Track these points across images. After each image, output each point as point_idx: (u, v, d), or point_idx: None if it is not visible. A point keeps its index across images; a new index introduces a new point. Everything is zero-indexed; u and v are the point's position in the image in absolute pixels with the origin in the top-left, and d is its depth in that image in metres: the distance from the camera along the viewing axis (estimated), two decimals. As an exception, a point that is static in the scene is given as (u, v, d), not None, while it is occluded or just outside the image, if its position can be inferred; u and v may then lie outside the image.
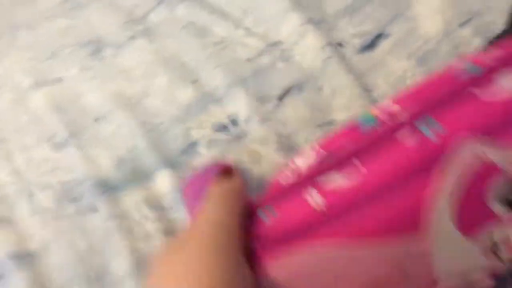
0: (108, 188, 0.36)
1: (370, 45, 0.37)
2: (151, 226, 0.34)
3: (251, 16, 0.41)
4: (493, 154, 0.21)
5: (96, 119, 0.40)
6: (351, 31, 0.38)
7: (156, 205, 0.35)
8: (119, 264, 0.33)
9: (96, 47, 0.44)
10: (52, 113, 0.40)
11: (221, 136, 0.37)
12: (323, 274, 0.21)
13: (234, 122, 0.37)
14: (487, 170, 0.21)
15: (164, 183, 0.35)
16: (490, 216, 0.21)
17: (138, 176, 0.36)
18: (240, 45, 0.41)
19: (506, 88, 0.21)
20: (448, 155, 0.21)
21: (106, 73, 0.42)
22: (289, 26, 0.39)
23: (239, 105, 0.37)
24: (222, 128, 0.37)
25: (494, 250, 0.22)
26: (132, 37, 0.43)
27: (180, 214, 0.34)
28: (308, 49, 0.38)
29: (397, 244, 0.21)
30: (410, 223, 0.21)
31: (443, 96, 0.22)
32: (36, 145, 0.39)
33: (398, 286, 0.22)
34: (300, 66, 0.38)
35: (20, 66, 0.44)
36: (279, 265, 0.22)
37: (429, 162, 0.21)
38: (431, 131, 0.21)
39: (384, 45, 0.37)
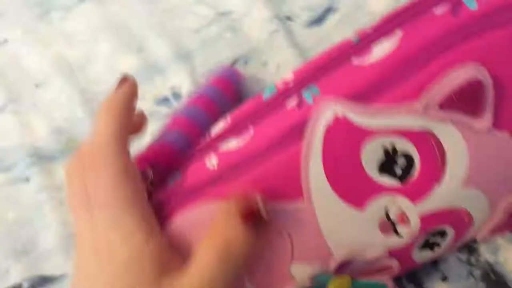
0: (42, 157, 0.35)
1: (318, 20, 0.35)
2: (82, 199, 0.33)
3: (204, -17, 0.39)
4: (359, 116, 0.21)
5: (37, 85, 0.38)
6: (301, 4, 0.36)
7: (89, 178, 0.34)
8: (48, 237, 0.32)
9: (44, 10, 0.41)
10: (-8, 76, 0.39)
11: (162, 109, 0.36)
12: None
13: (176, 95, 0.36)
14: (355, 134, 0.21)
15: (99, 155, 0.34)
16: (373, 185, 0.21)
17: (74, 147, 0.35)
18: (190, 14, 0.39)
19: (377, 54, 0.22)
20: (313, 119, 0.21)
21: (50, 37, 0.40)
22: (239, -5, 0.38)
23: (182, 77, 0.36)
24: (164, 101, 0.36)
25: (389, 223, 0.22)
26: (81, 0, 0.41)
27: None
28: (256, 20, 0.37)
29: (282, 210, 0.22)
30: (291, 190, 0.21)
31: (326, 65, 0.23)
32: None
33: (285, 254, 0.22)
34: (248, 38, 0.36)
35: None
36: (178, 220, 0.23)
37: (301, 126, 0.21)
38: (311, 96, 0.22)
39: (331, 20, 0.35)
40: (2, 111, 0.37)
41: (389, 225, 0.22)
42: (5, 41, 0.41)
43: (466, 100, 0.21)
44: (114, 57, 0.38)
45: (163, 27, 0.38)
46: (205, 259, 0.20)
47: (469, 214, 0.23)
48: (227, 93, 0.32)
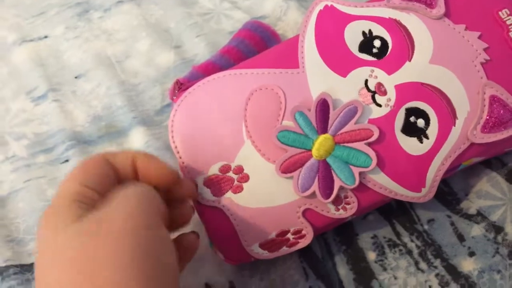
0: (81, 141, 0.37)
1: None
2: (120, 179, 0.34)
3: (238, -10, 0.42)
4: (343, 7, 0.29)
5: (77, 76, 0.40)
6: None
7: (127, 160, 0.35)
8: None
9: (83, 9, 0.44)
10: (34, 68, 0.41)
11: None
12: (226, 89, 0.29)
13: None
14: (339, 17, 0.29)
15: (137, 140, 0.36)
16: (354, 58, 0.28)
17: (112, 132, 0.37)
18: (225, 17, 0.41)
19: None
20: (310, 9, 0.30)
21: (90, 34, 0.42)
22: (273, 1, 0.40)
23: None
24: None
25: (369, 93, 0.27)
26: (120, 2, 0.44)
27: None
28: (290, 24, 0.39)
29: (282, 74, 0.29)
30: (290, 61, 0.29)
31: None
32: (15, 97, 0.40)
33: (280, 108, 0.28)
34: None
35: (6, 22, 0.44)
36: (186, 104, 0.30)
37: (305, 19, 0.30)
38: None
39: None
40: (42, 100, 0.39)
41: (368, 94, 0.27)
42: (45, 37, 0.43)
43: None
44: (152, 52, 0.40)
45: (199, 28, 0.41)
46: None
47: (444, 95, 0.27)
48: (252, 42, 0.35)
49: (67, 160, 0.36)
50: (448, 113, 0.27)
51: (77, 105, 0.39)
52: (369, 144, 0.27)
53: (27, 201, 0.34)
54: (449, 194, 0.31)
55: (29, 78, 0.40)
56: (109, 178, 0.23)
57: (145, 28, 0.41)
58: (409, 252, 0.29)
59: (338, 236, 0.31)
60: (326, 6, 0.30)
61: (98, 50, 0.41)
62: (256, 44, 0.36)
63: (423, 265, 0.29)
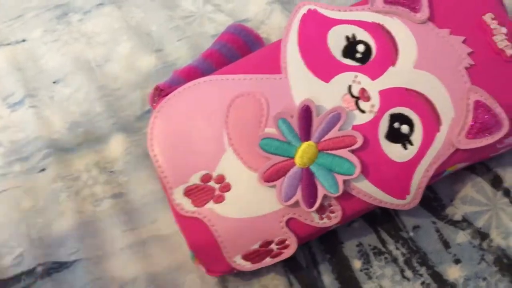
0: (58, 149, 0.35)
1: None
2: (99, 189, 0.34)
3: (221, -8, 0.42)
4: (326, 11, 0.29)
5: (55, 81, 0.39)
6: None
7: (106, 169, 0.34)
8: (62, 224, 0.32)
9: (62, 12, 0.43)
10: (11, 72, 0.39)
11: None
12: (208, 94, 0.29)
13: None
14: (322, 22, 0.28)
15: (117, 147, 0.35)
16: (338, 64, 0.27)
17: (91, 139, 0.36)
18: (208, 20, 0.41)
19: None
20: (293, 13, 0.29)
21: (69, 37, 0.41)
22: (256, 4, 0.40)
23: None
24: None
25: (352, 99, 0.27)
26: (100, 4, 0.43)
27: (131, 178, 0.34)
28: (273, 28, 0.39)
29: (264, 80, 0.28)
30: (272, 66, 0.28)
31: None
32: (-10, 103, 0.38)
33: (262, 116, 0.27)
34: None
35: (-18, 25, 0.43)
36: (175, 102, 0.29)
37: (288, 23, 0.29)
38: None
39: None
40: (19, 106, 0.38)
41: (352, 100, 0.27)
42: (23, 40, 0.42)
43: None
44: (133, 56, 0.39)
45: (181, 31, 0.40)
46: None
47: (428, 100, 0.26)
48: (234, 46, 0.34)
49: (44, 169, 0.35)
50: (432, 119, 0.26)
51: (54, 111, 0.37)
52: (353, 151, 0.26)
53: (2, 213, 0.33)
54: (434, 200, 0.30)
55: (5, 83, 0.39)
56: None
57: (126, 31, 0.40)
58: (395, 260, 0.29)
59: (322, 244, 0.30)
60: (309, 10, 0.29)
61: (77, 53, 0.40)
62: (239, 48, 0.35)
63: (408, 273, 0.29)
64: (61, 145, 0.36)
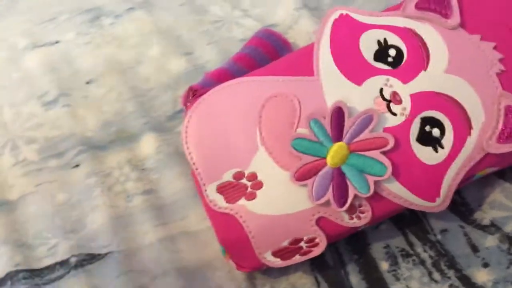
0: (91, 146, 0.37)
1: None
2: (131, 185, 0.34)
3: (250, -3, 0.43)
4: (358, 16, 0.30)
5: (88, 82, 0.40)
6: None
7: (138, 166, 0.35)
8: (95, 218, 0.33)
9: (94, 15, 0.44)
10: (45, 72, 0.41)
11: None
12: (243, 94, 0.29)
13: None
14: (354, 26, 0.29)
15: (148, 146, 0.36)
16: (370, 67, 0.28)
17: (123, 138, 0.37)
18: (236, 25, 0.42)
19: None
20: (325, 17, 0.30)
21: (101, 40, 0.42)
22: (284, 9, 0.41)
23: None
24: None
25: (384, 102, 0.27)
26: (131, 8, 0.44)
27: (162, 176, 0.35)
28: (301, 33, 0.40)
29: (297, 82, 0.29)
30: (306, 68, 0.29)
31: None
32: (26, 101, 0.40)
33: (294, 116, 0.28)
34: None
35: (17, 27, 0.45)
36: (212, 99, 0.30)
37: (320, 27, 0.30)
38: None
39: None
40: (53, 104, 0.39)
41: (384, 103, 0.27)
42: (57, 42, 0.43)
43: (436, 3, 0.29)
44: (164, 59, 0.40)
45: (210, 35, 0.41)
46: None
47: (459, 104, 0.27)
48: (264, 50, 0.35)
49: (77, 165, 0.36)
50: (463, 123, 0.27)
51: (88, 110, 0.39)
52: (384, 153, 0.26)
53: (38, 205, 0.34)
54: (462, 205, 0.31)
55: (40, 83, 0.40)
56: None
57: (156, 34, 0.42)
58: (422, 262, 0.29)
59: (349, 245, 0.31)
60: (341, 14, 0.30)
61: (109, 55, 0.41)
62: (268, 52, 0.36)
63: (436, 275, 0.29)
64: (94, 143, 0.37)
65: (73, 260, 0.32)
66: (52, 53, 0.42)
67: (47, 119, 0.38)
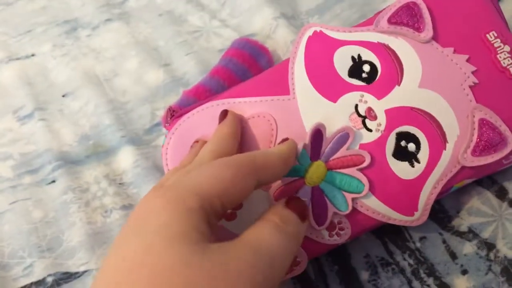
0: (68, 161, 0.36)
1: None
2: (109, 200, 0.34)
3: (228, 8, 0.43)
4: (332, 32, 0.30)
5: (64, 95, 0.40)
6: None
7: (116, 180, 0.35)
8: (72, 235, 0.33)
9: (71, 27, 0.44)
10: (21, 86, 0.40)
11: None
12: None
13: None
14: (328, 43, 0.29)
15: (126, 159, 0.35)
16: (344, 83, 0.28)
17: (100, 152, 0.36)
18: (214, 35, 0.41)
19: None
20: (300, 35, 0.30)
21: (78, 52, 0.42)
22: (262, 19, 0.41)
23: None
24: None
25: (359, 118, 0.28)
26: (109, 20, 0.44)
27: (140, 190, 0.34)
28: (279, 43, 0.40)
29: (272, 101, 0.29)
30: (280, 87, 0.29)
31: None
32: (1, 117, 0.39)
33: (271, 136, 0.28)
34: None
35: (-8, 40, 0.44)
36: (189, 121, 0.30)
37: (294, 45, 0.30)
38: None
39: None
40: (29, 119, 0.38)
41: (359, 119, 0.28)
42: (33, 55, 0.42)
43: (408, 17, 0.29)
44: (141, 71, 0.40)
45: (188, 46, 0.41)
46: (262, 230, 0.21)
47: (434, 119, 0.27)
48: (240, 60, 0.35)
49: (53, 181, 0.35)
50: (438, 137, 0.27)
51: (64, 124, 0.38)
52: (361, 170, 0.26)
53: (13, 224, 0.33)
54: (440, 212, 0.31)
55: (15, 97, 0.40)
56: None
57: (134, 46, 0.41)
58: (402, 271, 0.29)
59: (330, 256, 0.30)
60: (315, 31, 0.30)
61: (86, 68, 0.41)
62: (245, 61, 0.36)
63: (416, 283, 0.29)
64: (71, 158, 0.36)
65: (49, 279, 0.31)
66: (28, 66, 0.42)
67: (23, 134, 0.38)
